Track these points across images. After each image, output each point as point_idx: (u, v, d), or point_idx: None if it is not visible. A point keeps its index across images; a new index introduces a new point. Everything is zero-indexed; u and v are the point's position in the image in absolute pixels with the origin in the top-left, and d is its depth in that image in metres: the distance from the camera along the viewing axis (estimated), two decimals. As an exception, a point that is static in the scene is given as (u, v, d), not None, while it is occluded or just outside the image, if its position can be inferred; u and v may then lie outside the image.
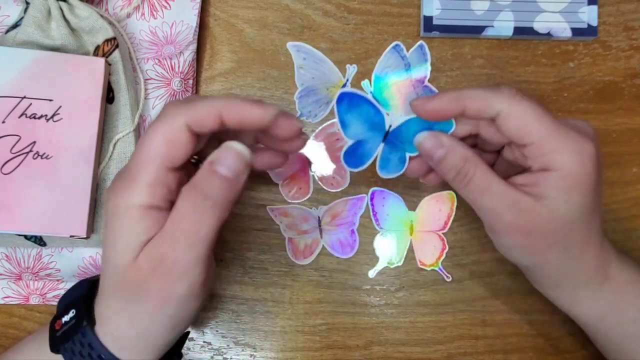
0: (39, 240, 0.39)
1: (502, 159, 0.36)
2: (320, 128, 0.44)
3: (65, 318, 0.31)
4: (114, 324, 0.30)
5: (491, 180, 0.32)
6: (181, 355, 0.36)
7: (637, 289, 0.36)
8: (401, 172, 0.36)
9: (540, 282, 0.37)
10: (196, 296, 0.30)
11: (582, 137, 0.31)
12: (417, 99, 0.33)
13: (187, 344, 0.44)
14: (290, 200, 0.44)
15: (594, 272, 0.35)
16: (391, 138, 0.34)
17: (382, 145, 0.34)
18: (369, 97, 0.34)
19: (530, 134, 0.31)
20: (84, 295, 0.32)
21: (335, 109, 0.34)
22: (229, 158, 0.28)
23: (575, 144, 0.31)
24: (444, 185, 0.41)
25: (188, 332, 0.40)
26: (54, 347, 0.31)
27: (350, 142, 0.34)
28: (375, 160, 0.35)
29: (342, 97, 0.33)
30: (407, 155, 0.35)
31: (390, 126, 0.34)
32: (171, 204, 0.29)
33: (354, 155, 0.34)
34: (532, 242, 0.33)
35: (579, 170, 0.31)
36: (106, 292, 0.30)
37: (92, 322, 0.30)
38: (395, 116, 0.33)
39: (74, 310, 0.31)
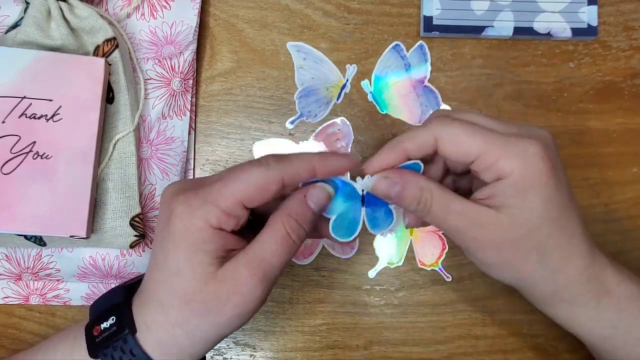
0: (39, 240, 0.39)
1: (478, 181, 0.35)
2: (320, 128, 0.44)
3: (105, 325, 0.32)
4: (166, 332, 0.31)
5: (449, 200, 0.32)
6: None
7: None
8: (392, 224, 0.36)
9: (535, 300, 0.35)
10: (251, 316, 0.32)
11: (525, 140, 0.31)
12: (367, 162, 0.34)
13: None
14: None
15: (586, 286, 0.33)
16: (369, 200, 0.34)
17: (363, 209, 0.34)
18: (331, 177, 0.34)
19: (469, 151, 0.31)
20: (123, 302, 0.33)
21: None
22: (319, 193, 0.32)
23: (517, 147, 0.30)
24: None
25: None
26: (93, 353, 0.32)
27: (333, 217, 0.34)
28: (364, 224, 0.35)
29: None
30: (391, 207, 0.35)
31: (363, 190, 0.34)
32: (237, 230, 0.32)
33: (341, 227, 0.34)
34: (505, 255, 0.32)
35: (527, 171, 0.30)
36: (164, 302, 0.31)
37: (133, 330, 0.31)
38: (364, 180, 0.34)
39: (113, 317, 0.32)
